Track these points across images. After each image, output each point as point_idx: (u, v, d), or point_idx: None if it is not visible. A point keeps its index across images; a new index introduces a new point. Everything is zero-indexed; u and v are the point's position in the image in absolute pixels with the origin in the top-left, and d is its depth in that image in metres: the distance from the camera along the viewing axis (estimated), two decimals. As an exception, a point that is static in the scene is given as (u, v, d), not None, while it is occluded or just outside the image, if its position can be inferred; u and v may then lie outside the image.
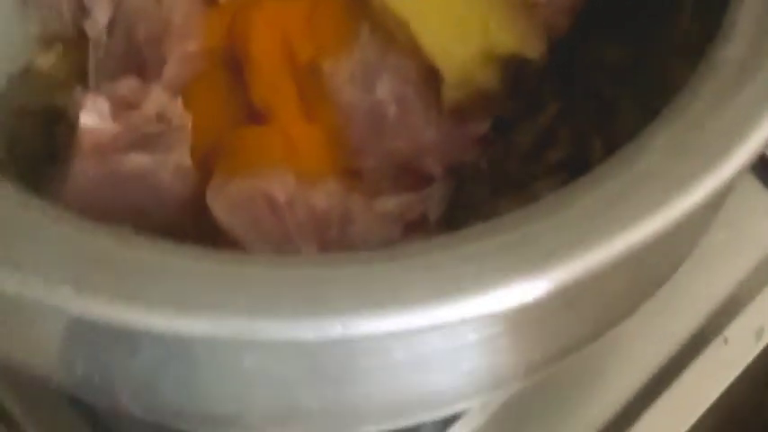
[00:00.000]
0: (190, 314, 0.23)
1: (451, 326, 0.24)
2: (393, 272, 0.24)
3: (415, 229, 0.39)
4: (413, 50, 0.38)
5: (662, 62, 0.40)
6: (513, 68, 0.40)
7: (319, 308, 0.23)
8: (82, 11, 0.41)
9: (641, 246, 0.25)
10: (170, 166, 0.37)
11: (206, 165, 0.38)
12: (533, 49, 0.39)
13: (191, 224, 0.38)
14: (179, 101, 0.38)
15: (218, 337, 0.23)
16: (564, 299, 0.26)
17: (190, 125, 0.38)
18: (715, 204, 0.33)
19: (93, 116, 0.37)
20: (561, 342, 0.29)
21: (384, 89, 0.38)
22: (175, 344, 0.25)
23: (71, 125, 0.38)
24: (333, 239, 0.37)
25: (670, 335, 0.45)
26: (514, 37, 0.38)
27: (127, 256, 0.24)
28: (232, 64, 0.40)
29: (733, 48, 0.30)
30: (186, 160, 0.37)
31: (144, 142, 0.37)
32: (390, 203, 0.39)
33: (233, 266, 0.24)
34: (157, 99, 0.38)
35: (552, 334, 0.29)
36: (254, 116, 0.39)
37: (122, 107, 0.38)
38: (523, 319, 0.26)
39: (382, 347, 0.26)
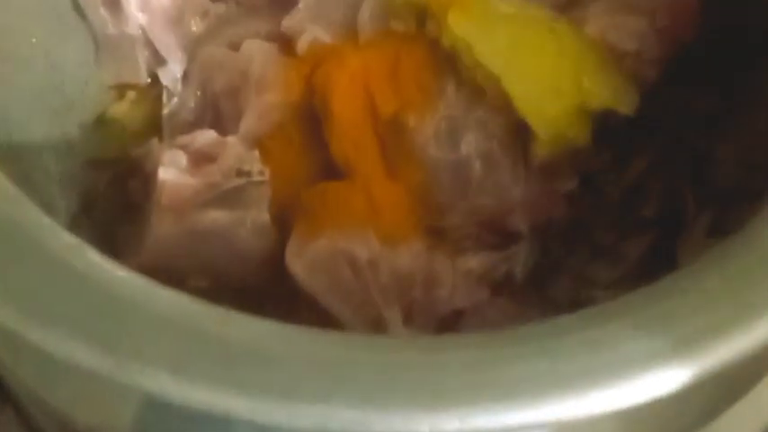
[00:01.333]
0: (296, 405, 0.22)
1: (579, 422, 0.22)
2: (514, 359, 0.22)
3: (502, 290, 0.38)
4: (501, 106, 0.36)
5: (756, 112, 0.39)
6: (602, 122, 0.38)
7: (436, 401, 0.21)
8: (157, 60, 0.41)
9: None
10: (248, 222, 0.36)
11: (284, 221, 0.37)
12: (626, 102, 0.37)
13: (268, 282, 0.37)
14: (257, 154, 0.37)
15: (327, 430, 0.21)
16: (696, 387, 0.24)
17: (269, 180, 0.37)
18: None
19: (171, 171, 0.36)
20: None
21: (469, 145, 0.37)
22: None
23: (146, 179, 0.38)
24: (417, 302, 0.36)
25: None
26: (607, 91, 0.37)
27: (227, 338, 0.23)
28: (310, 117, 0.39)
29: None
30: (265, 216, 0.36)
31: (222, 198, 0.36)
32: (475, 262, 0.37)
33: (340, 350, 0.23)
34: (235, 152, 0.37)
35: (669, 420, 0.27)
36: (333, 171, 0.38)
37: (200, 161, 0.37)
38: (647, 412, 0.24)
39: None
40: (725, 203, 0.38)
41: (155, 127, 0.41)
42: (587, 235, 0.38)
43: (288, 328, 0.23)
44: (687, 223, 0.39)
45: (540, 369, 0.22)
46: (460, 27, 0.36)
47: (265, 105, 0.38)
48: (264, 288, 0.37)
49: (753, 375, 0.29)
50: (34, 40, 0.40)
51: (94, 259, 0.24)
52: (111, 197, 0.39)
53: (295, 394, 0.22)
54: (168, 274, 0.34)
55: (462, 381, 0.22)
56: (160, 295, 0.24)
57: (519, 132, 0.37)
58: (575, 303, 0.28)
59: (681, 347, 0.22)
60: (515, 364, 0.22)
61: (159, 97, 0.41)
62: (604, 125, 0.38)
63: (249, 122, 0.38)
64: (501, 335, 0.23)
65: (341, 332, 0.33)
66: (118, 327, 0.23)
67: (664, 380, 0.22)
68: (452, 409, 0.21)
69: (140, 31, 0.40)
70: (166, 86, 0.41)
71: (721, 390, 0.27)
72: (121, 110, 0.42)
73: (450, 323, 0.36)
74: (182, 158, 0.37)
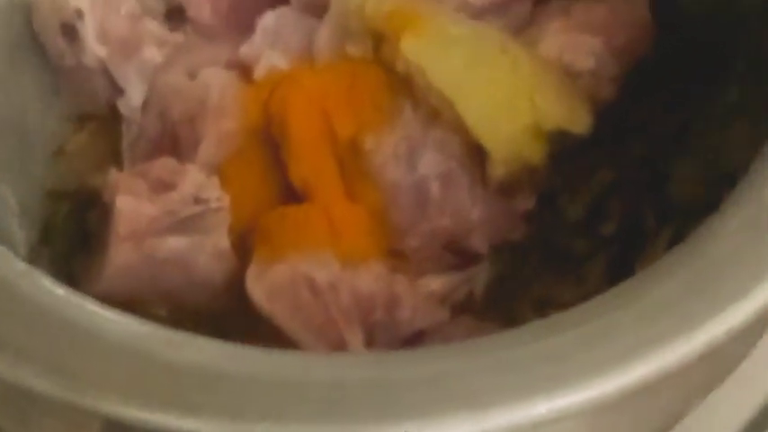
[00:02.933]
0: (244, 425, 0.22)
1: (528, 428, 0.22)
2: (466, 372, 0.22)
3: (462, 309, 0.38)
4: (457, 126, 0.37)
5: (713, 131, 0.39)
6: (557, 141, 0.39)
7: (387, 415, 0.21)
8: (115, 90, 0.41)
9: (723, 339, 0.24)
10: (208, 248, 0.36)
11: (244, 246, 0.37)
12: (580, 122, 0.38)
13: (229, 308, 0.37)
14: (216, 180, 0.37)
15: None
16: (639, 396, 0.25)
17: (228, 206, 0.37)
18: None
19: (129, 199, 0.36)
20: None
21: (427, 166, 0.37)
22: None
23: (105, 209, 0.38)
24: (378, 324, 0.36)
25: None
26: (561, 111, 0.37)
27: (176, 360, 0.23)
28: (269, 141, 0.39)
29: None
30: (224, 243, 0.37)
31: (181, 225, 0.36)
32: (436, 284, 0.38)
33: (291, 368, 0.23)
34: (194, 179, 0.37)
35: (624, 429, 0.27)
36: (293, 195, 0.38)
37: (158, 188, 0.37)
38: (600, 419, 0.25)
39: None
40: (684, 219, 0.38)
41: (114, 158, 0.41)
42: (547, 253, 0.39)
43: (239, 349, 0.23)
44: (647, 240, 0.39)
45: (490, 379, 0.22)
46: (413, 51, 0.36)
47: (223, 132, 0.38)
48: (225, 314, 0.37)
49: (708, 379, 0.29)
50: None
51: (47, 286, 0.24)
52: (70, 228, 0.39)
53: (243, 413, 0.22)
54: (128, 302, 0.34)
55: (414, 394, 0.22)
56: (112, 321, 0.24)
57: (476, 152, 0.37)
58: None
59: (620, 357, 0.22)
60: (467, 377, 0.22)
61: (118, 127, 0.41)
62: (562, 144, 0.39)
63: (208, 149, 0.38)
64: (451, 349, 0.23)
65: (293, 351, 0.33)
66: (70, 352, 0.23)
67: (609, 387, 0.22)
68: (405, 422, 0.21)
69: (98, 62, 0.40)
70: (125, 116, 0.41)
71: (682, 392, 0.28)
72: (80, 141, 0.42)
73: (412, 344, 0.37)
74: (140, 186, 0.37)
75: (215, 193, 0.36)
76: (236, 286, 0.36)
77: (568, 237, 0.39)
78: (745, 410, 0.40)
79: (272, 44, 0.40)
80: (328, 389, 0.22)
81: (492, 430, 0.22)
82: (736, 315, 0.24)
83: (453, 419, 0.22)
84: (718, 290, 0.24)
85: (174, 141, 0.40)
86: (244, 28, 0.42)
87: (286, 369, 0.23)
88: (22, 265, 0.25)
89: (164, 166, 0.38)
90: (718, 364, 0.29)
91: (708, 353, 0.24)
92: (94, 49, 0.40)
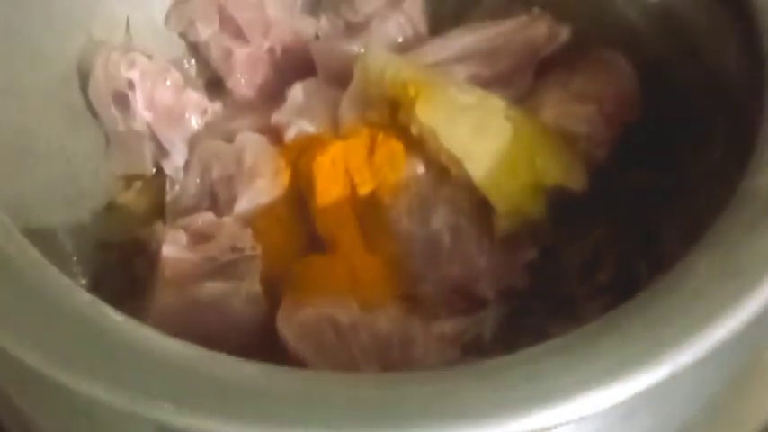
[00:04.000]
0: (277, 429, 0.25)
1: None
2: (463, 390, 0.26)
3: (472, 349, 0.41)
4: (465, 184, 0.41)
5: (699, 189, 0.43)
6: (556, 199, 0.43)
7: (397, 423, 0.25)
8: (161, 152, 0.46)
9: (691, 363, 0.27)
10: (242, 292, 0.40)
11: (274, 291, 0.41)
12: (576, 180, 0.42)
13: (259, 347, 0.41)
14: (249, 232, 0.41)
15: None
16: (621, 413, 0.28)
17: (260, 255, 0.41)
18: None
19: (173, 248, 0.40)
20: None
21: (439, 220, 0.41)
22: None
23: (151, 257, 0.42)
24: (394, 361, 0.40)
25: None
26: (559, 170, 0.41)
27: (218, 375, 0.27)
28: (297, 198, 0.43)
29: (763, 178, 0.33)
30: (256, 287, 0.40)
31: (219, 271, 0.40)
32: (447, 326, 0.41)
33: (320, 385, 0.27)
34: (230, 231, 0.41)
35: None
36: (318, 245, 0.42)
37: (198, 239, 0.41)
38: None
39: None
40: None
41: (158, 212, 0.45)
42: (549, 298, 0.42)
43: (274, 368, 0.27)
44: (640, 286, 0.43)
45: (481, 396, 0.26)
46: (427, 116, 0.40)
47: (257, 190, 0.43)
48: (255, 354, 0.41)
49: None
50: (50, 136, 0.45)
51: (110, 314, 0.28)
52: (119, 275, 0.43)
53: (279, 421, 0.26)
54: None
55: (418, 408, 0.26)
56: (166, 342, 0.28)
57: (483, 207, 0.41)
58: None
59: (597, 379, 0.26)
60: (464, 394, 0.26)
61: (163, 185, 0.46)
62: (561, 202, 0.43)
63: (242, 205, 0.42)
64: (452, 371, 0.27)
65: (321, 371, 0.36)
66: (131, 369, 0.27)
67: (583, 405, 0.26)
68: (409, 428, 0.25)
69: (146, 128, 0.45)
70: (169, 176, 0.46)
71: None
72: (129, 197, 0.46)
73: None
74: (182, 237, 0.41)
75: (249, 243, 0.40)
76: (266, 328, 0.40)
77: (568, 284, 0.43)
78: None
79: (300, 112, 0.45)
80: (348, 402, 0.26)
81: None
82: (703, 343, 0.28)
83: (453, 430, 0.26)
84: (684, 320, 0.28)
85: (212, 198, 0.44)
86: (275, 98, 0.46)
87: (315, 385, 0.27)
88: (87, 296, 0.29)
89: (203, 219, 0.42)
90: (695, 393, 0.32)
91: (678, 377, 0.28)
92: (143, 115, 0.45)
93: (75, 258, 0.42)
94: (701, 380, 0.32)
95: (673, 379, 0.27)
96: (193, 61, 0.49)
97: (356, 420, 0.26)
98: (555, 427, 0.26)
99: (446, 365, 0.40)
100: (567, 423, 0.26)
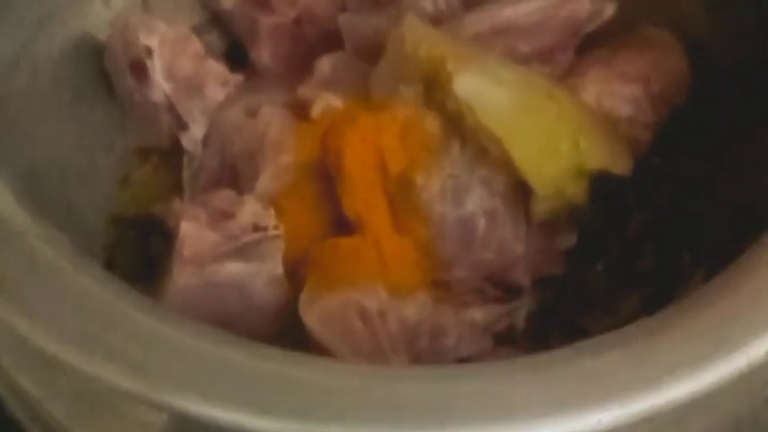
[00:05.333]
0: (313, 426, 0.23)
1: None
2: (508, 387, 0.24)
3: (504, 340, 0.39)
4: (503, 165, 0.39)
5: (743, 176, 0.41)
6: (597, 182, 0.40)
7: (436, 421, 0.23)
8: (179, 125, 0.43)
9: (757, 365, 0.25)
10: (263, 275, 0.38)
11: (297, 274, 0.39)
12: (621, 164, 0.40)
13: (281, 332, 0.39)
14: (272, 211, 0.39)
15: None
16: (676, 417, 0.26)
17: (283, 235, 0.39)
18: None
19: (192, 225, 0.38)
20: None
21: (474, 203, 0.39)
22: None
23: (168, 235, 0.40)
24: (424, 351, 0.38)
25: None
26: (603, 153, 0.39)
27: (250, 366, 0.25)
28: (323, 176, 0.41)
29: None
30: (279, 270, 0.38)
31: (239, 251, 0.38)
32: (479, 315, 0.39)
33: (355, 378, 0.24)
34: (252, 210, 0.39)
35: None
36: (344, 226, 0.40)
37: (218, 217, 0.39)
38: None
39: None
40: (719, 260, 0.40)
41: (176, 188, 0.43)
42: (586, 288, 0.40)
43: (304, 357, 0.25)
44: (682, 278, 0.40)
45: (532, 395, 0.24)
46: (465, 91, 0.38)
47: (280, 166, 0.40)
48: (277, 339, 0.39)
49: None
50: (63, 107, 0.43)
51: (131, 295, 0.26)
52: (133, 253, 0.41)
53: (310, 416, 0.23)
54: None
55: (460, 405, 0.24)
56: (188, 327, 0.26)
57: (520, 191, 0.39)
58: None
59: (655, 379, 0.24)
60: (516, 391, 0.24)
61: (180, 160, 0.44)
62: (603, 185, 0.40)
63: (265, 182, 0.40)
64: (501, 366, 0.25)
65: (355, 363, 0.34)
66: (151, 353, 0.24)
67: (641, 407, 0.24)
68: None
69: (164, 98, 0.43)
70: (187, 150, 0.43)
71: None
72: (145, 172, 0.44)
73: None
74: (202, 215, 0.39)
75: (272, 222, 0.38)
76: (288, 312, 0.38)
77: (606, 273, 0.41)
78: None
79: (327, 86, 0.42)
80: (385, 397, 0.24)
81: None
82: None
83: (503, 429, 0.23)
84: (752, 318, 0.26)
85: (233, 174, 0.42)
86: (301, 70, 0.44)
87: (348, 378, 0.25)
88: (104, 274, 0.27)
89: (223, 196, 0.40)
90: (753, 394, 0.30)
91: (745, 376, 0.25)
92: (162, 85, 0.43)
93: (88, 235, 0.40)
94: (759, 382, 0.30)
95: (740, 378, 0.25)
96: (215, 31, 0.47)
97: (394, 417, 0.24)
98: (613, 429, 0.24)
99: (478, 356, 0.39)
100: (627, 424, 0.24)
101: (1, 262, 0.26)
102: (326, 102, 0.42)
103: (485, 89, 0.38)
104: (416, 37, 0.40)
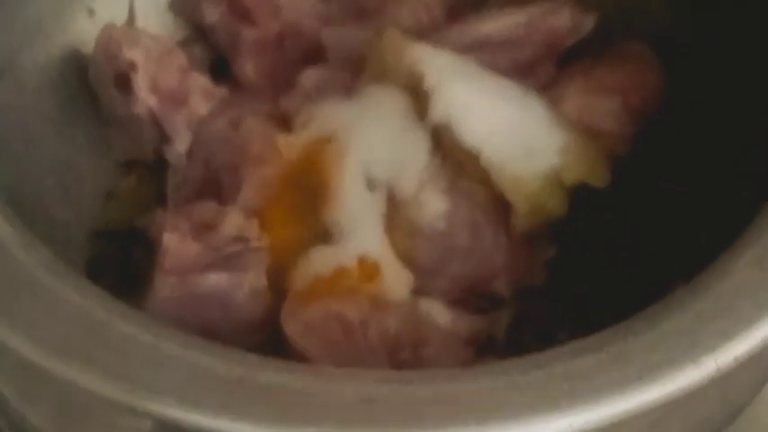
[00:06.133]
0: (290, 429, 0.24)
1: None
2: (479, 391, 0.24)
3: (485, 351, 0.39)
4: (482, 180, 0.39)
5: (725, 187, 0.41)
6: (578, 195, 0.41)
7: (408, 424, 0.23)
8: (163, 138, 0.44)
9: (733, 364, 0.25)
10: (246, 286, 0.38)
11: (279, 285, 0.39)
12: (599, 177, 0.40)
13: (263, 343, 0.39)
14: (255, 222, 0.39)
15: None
16: (651, 418, 0.26)
17: (266, 246, 0.39)
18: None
19: (175, 236, 0.38)
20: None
21: (456, 215, 0.39)
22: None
23: (150, 246, 0.40)
24: (405, 361, 0.38)
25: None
26: (583, 166, 0.39)
27: (228, 372, 0.25)
28: (305, 187, 0.41)
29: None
30: (261, 281, 0.38)
31: (222, 263, 0.38)
32: (460, 325, 0.39)
33: (331, 382, 0.25)
34: (234, 221, 0.39)
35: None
36: (326, 238, 0.40)
37: (201, 229, 0.39)
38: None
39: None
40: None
41: (160, 201, 0.43)
42: (566, 298, 0.41)
43: (282, 363, 0.25)
44: (663, 287, 0.41)
45: (508, 397, 0.24)
46: (442, 111, 0.38)
47: (262, 178, 0.41)
48: (259, 350, 0.39)
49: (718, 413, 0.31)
50: (47, 119, 0.43)
51: (107, 300, 0.26)
52: (116, 265, 0.42)
53: (286, 420, 0.24)
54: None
55: (433, 409, 0.24)
56: (166, 334, 0.26)
57: (500, 201, 0.39)
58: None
59: (631, 380, 0.24)
60: (486, 395, 0.24)
61: (164, 173, 0.44)
62: (582, 197, 0.41)
63: (247, 193, 0.40)
64: (476, 369, 0.25)
65: (330, 367, 0.34)
66: (130, 359, 0.25)
67: (616, 408, 0.24)
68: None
69: (148, 112, 0.43)
70: (171, 163, 0.44)
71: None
72: (129, 185, 0.44)
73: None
74: (185, 225, 0.39)
75: (254, 233, 0.39)
76: (270, 322, 0.38)
77: (587, 283, 0.41)
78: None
79: (310, 98, 0.43)
80: (357, 400, 0.24)
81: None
82: (744, 344, 0.26)
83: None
84: (726, 320, 0.26)
85: (216, 186, 0.42)
86: (284, 84, 0.44)
87: (324, 382, 0.25)
88: (84, 282, 0.27)
89: (206, 208, 0.40)
90: (728, 398, 0.30)
91: (717, 380, 0.26)
92: (146, 99, 0.43)
93: (71, 248, 0.40)
94: (738, 384, 0.30)
95: (711, 382, 0.25)
96: (199, 45, 0.47)
97: (371, 421, 0.24)
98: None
99: (460, 367, 0.39)
100: (598, 428, 0.24)
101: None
102: (309, 113, 0.42)
103: (463, 107, 0.38)
104: (397, 51, 0.40)
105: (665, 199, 0.42)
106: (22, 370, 0.27)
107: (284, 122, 0.42)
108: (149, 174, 0.44)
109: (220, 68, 0.47)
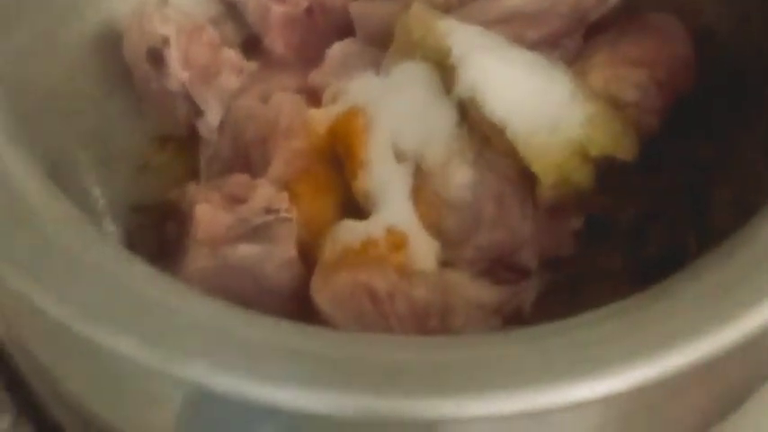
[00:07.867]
0: (315, 394, 0.24)
1: (562, 411, 0.24)
2: (501, 356, 0.25)
3: (512, 321, 0.40)
4: (508, 151, 0.39)
5: (749, 160, 0.41)
6: (603, 166, 0.41)
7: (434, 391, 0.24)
8: (195, 112, 0.44)
9: (751, 336, 0.26)
10: (276, 257, 0.39)
11: (309, 256, 0.40)
12: (627, 150, 0.40)
13: (293, 315, 0.40)
14: (285, 194, 0.40)
15: (342, 414, 0.24)
16: (672, 387, 0.27)
17: (295, 218, 0.39)
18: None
19: (207, 208, 0.39)
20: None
21: (482, 186, 0.40)
22: (298, 420, 0.26)
23: (183, 219, 0.41)
24: (433, 331, 0.38)
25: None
26: (609, 139, 0.39)
27: (257, 337, 0.26)
28: (334, 160, 0.42)
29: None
30: (291, 252, 0.39)
31: (252, 234, 0.39)
32: (486, 296, 0.40)
33: (358, 347, 0.25)
34: (265, 193, 0.40)
35: (659, 424, 0.29)
36: (356, 210, 0.41)
37: (232, 201, 0.40)
38: (631, 408, 0.27)
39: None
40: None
41: (193, 174, 0.44)
42: (593, 270, 0.41)
43: (310, 328, 0.26)
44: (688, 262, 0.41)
45: (526, 364, 0.24)
46: (468, 85, 0.39)
47: (292, 151, 0.41)
48: (291, 319, 0.40)
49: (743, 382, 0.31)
50: (82, 95, 0.44)
51: (141, 267, 0.27)
52: (151, 238, 0.43)
53: (313, 384, 0.24)
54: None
55: (461, 374, 0.24)
56: (200, 300, 0.27)
57: (528, 173, 0.40)
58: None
59: (649, 348, 0.24)
60: (508, 360, 0.25)
61: (197, 147, 0.45)
62: (608, 170, 0.41)
63: (277, 167, 0.41)
64: (496, 336, 0.26)
65: (359, 333, 0.35)
66: (163, 325, 0.26)
67: (635, 376, 0.24)
68: (450, 397, 0.24)
69: (180, 86, 0.44)
70: (204, 137, 0.44)
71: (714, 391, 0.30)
72: (163, 159, 0.45)
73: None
74: (216, 198, 0.40)
75: (284, 205, 0.39)
76: (300, 293, 0.39)
77: (613, 256, 0.41)
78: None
79: (338, 72, 0.43)
80: (384, 364, 0.25)
81: (531, 410, 0.24)
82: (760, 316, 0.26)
83: (493, 398, 0.24)
84: (746, 289, 0.26)
85: (246, 160, 0.43)
86: (313, 58, 0.45)
87: (351, 347, 0.26)
88: (119, 249, 0.28)
89: (237, 181, 0.41)
90: (749, 369, 0.31)
91: (739, 349, 0.26)
92: (178, 73, 0.44)
93: (107, 219, 0.41)
94: (760, 354, 0.31)
95: (727, 355, 0.26)
96: (230, 22, 0.48)
97: (398, 386, 0.24)
98: (602, 398, 0.25)
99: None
100: (620, 394, 0.25)
101: (19, 239, 0.28)
102: (337, 88, 0.43)
103: (489, 80, 0.39)
104: (424, 26, 0.40)
105: (694, 172, 0.42)
106: (58, 335, 0.28)
107: (313, 96, 0.43)
108: (183, 148, 0.45)
109: (252, 46, 0.47)
